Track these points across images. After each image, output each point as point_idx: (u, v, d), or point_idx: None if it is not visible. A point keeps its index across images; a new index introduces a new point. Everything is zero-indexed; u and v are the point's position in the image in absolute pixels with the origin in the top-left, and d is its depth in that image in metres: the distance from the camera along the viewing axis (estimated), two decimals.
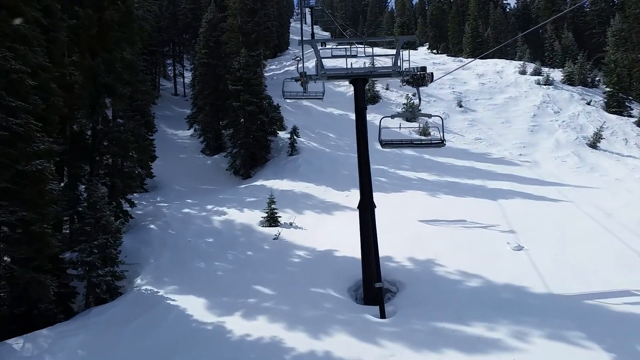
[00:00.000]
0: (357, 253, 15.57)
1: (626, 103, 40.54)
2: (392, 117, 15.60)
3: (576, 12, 65.46)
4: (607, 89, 41.53)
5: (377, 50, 31.83)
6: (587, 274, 15.80)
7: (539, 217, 21.57)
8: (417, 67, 14.92)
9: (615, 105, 40.01)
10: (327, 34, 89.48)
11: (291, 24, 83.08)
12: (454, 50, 64.52)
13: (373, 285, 14.67)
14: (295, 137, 32.74)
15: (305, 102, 39.32)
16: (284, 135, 34.63)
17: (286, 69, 51.40)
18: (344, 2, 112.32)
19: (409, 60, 15.03)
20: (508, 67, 49.07)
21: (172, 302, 15.45)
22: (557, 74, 47.43)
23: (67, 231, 19.63)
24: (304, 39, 15.65)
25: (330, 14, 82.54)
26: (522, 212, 22.21)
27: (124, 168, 23.82)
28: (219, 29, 38.90)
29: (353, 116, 16.21)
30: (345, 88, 42.28)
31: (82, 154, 21.53)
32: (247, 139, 32.02)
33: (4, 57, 12.97)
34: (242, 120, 32.33)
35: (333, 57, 16.63)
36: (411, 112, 17.39)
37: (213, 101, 36.34)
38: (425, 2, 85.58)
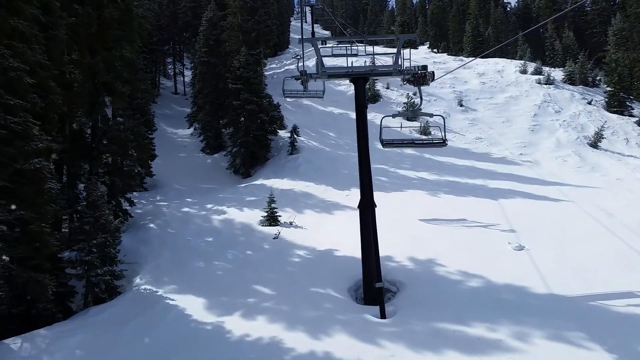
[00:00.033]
0: (357, 253, 15.51)
1: (627, 102, 40.45)
2: (393, 116, 15.51)
3: (577, 12, 65.35)
4: (608, 89, 41.43)
5: (378, 49, 31.73)
6: (588, 274, 15.73)
7: (539, 216, 21.50)
8: (418, 66, 14.83)
9: (616, 105, 39.92)
10: (327, 32, 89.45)
11: (291, 23, 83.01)
12: (454, 49, 64.40)
13: (373, 285, 14.60)
14: (295, 136, 32.65)
15: (305, 101, 39.23)
16: (284, 134, 34.55)
17: (286, 67, 51.28)
18: (344, 1, 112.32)
19: (409, 58, 14.95)
20: (509, 67, 48.98)
21: (171, 302, 15.39)
22: (557, 74, 47.34)
23: (67, 230, 19.57)
24: (304, 37, 15.52)
25: (330, 13, 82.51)
26: (523, 212, 22.14)
27: (123, 167, 23.73)
28: (219, 27, 38.81)
29: (353, 115, 16.13)
30: (346, 87, 42.19)
31: (82, 152, 21.46)
32: (247, 137, 31.94)
33: (2, 55, 12.89)
34: (242, 119, 32.25)
35: (334, 55, 16.55)
36: (412, 112, 17.27)
37: (213, 100, 36.27)
38: (425, 1, 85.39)
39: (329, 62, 15.61)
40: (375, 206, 15.14)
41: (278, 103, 35.21)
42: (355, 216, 15.72)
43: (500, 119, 39.12)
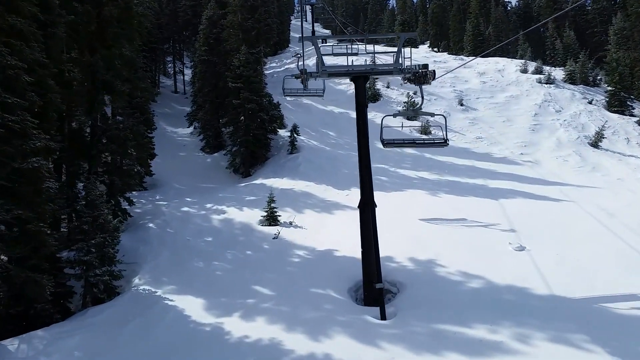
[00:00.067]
0: (357, 253, 15.41)
1: (628, 102, 40.40)
2: (394, 115, 15.39)
3: (577, 11, 65.20)
4: (609, 88, 41.34)
5: (379, 47, 31.60)
6: (590, 275, 15.63)
7: (540, 216, 21.40)
8: (419, 65, 14.73)
9: (617, 105, 39.83)
10: (327, 31, 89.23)
11: (292, 22, 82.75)
12: (455, 48, 64.28)
13: (373, 286, 14.51)
14: (295, 135, 32.52)
15: (305, 100, 39.14)
16: (284, 133, 34.42)
17: (286, 66, 51.15)
18: (345, 0, 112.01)
19: (410, 57, 14.84)
20: (509, 66, 48.88)
21: (170, 303, 15.29)
22: (558, 73, 47.24)
23: (66, 230, 19.47)
24: (304, 35, 15.40)
25: (330, 12, 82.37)
26: (523, 212, 22.04)
27: (123, 166, 23.62)
28: (219, 25, 38.65)
29: (353, 114, 16.03)
30: (346, 86, 42.07)
31: (81, 151, 21.37)
32: (247, 137, 31.83)
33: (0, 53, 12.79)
34: (242, 118, 32.15)
35: (334, 54, 16.43)
36: (413, 111, 17.16)
37: (213, 99, 36.15)
38: (426, 0, 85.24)
39: (329, 61, 15.47)
40: (376, 206, 15.04)
41: (278, 102, 35.09)
42: (355, 216, 15.62)
43: (501, 119, 39.03)
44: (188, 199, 26.31)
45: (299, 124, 33.24)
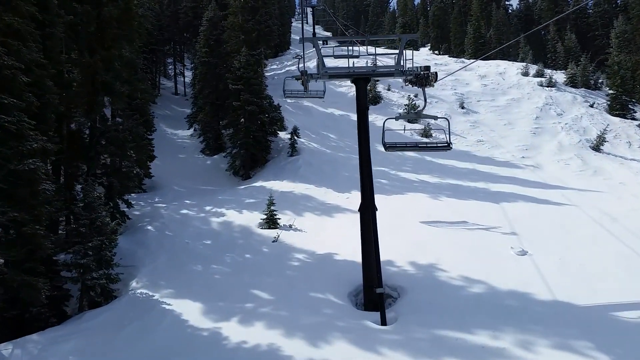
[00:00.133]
0: (357, 257, 15.22)
1: (629, 105, 40.18)
2: (396, 118, 15.22)
3: (579, 14, 65.15)
4: (611, 92, 41.18)
5: (380, 50, 31.48)
6: (593, 280, 15.43)
7: (542, 220, 21.22)
8: (420, 67, 14.57)
9: (619, 108, 39.65)
10: (328, 33, 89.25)
11: (292, 24, 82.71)
12: (456, 51, 64.23)
13: (374, 291, 14.28)
14: (295, 137, 32.36)
15: (306, 103, 38.99)
16: (284, 135, 34.27)
17: (287, 68, 51.03)
18: (346, 2, 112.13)
19: (412, 59, 14.68)
20: (510, 69, 48.73)
21: (167, 307, 15.06)
22: (559, 76, 47.11)
23: (63, 232, 19.29)
24: (305, 37, 15.25)
25: (331, 14, 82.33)
26: (525, 216, 21.85)
27: (121, 168, 23.43)
28: (220, 27, 38.60)
29: (354, 117, 15.86)
30: (347, 88, 41.95)
31: (80, 153, 21.19)
32: (247, 139, 31.67)
33: None
34: (242, 120, 31.99)
35: (335, 56, 16.27)
36: (416, 114, 16.95)
37: (213, 100, 36.02)
38: (427, 3, 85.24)
39: (330, 63, 15.31)
40: (376, 209, 14.85)
41: (278, 104, 34.96)
42: (355, 219, 15.44)
43: (502, 122, 38.85)
44: (187, 202, 26.11)
45: (299, 126, 33.08)
